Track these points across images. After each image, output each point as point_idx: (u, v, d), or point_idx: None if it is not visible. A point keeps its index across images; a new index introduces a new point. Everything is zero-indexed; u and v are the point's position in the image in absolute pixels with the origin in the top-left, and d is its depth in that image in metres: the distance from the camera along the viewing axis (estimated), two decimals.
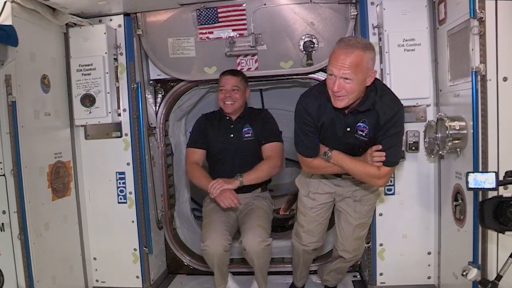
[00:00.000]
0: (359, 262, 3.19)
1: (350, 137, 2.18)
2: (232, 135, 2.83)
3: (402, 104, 2.15)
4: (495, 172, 1.79)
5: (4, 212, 2.37)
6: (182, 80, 3.23)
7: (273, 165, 2.73)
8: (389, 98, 2.13)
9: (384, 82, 2.57)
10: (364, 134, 2.16)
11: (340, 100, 2.03)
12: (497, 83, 2.04)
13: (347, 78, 1.95)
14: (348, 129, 2.17)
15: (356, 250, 2.60)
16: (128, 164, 2.96)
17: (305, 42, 2.91)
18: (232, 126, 2.85)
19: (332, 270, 2.84)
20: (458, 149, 2.29)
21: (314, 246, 2.64)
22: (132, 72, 2.96)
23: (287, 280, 3.11)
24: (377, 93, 2.10)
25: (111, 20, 2.91)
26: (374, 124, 2.12)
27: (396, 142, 2.14)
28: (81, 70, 2.82)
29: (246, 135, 2.82)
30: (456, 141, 2.26)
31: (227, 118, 2.86)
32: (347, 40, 2.00)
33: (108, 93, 2.84)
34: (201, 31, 2.99)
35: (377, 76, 2.53)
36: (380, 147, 2.13)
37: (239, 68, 3.02)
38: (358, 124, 2.15)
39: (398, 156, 2.20)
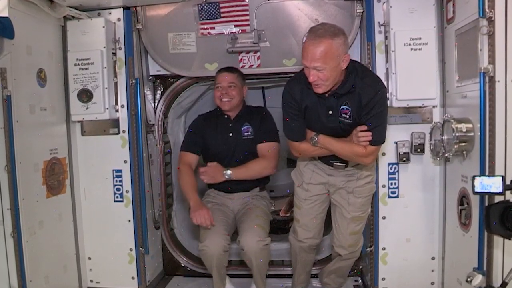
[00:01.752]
0: (361, 266, 3.15)
1: (334, 120, 2.23)
2: (231, 134, 2.78)
3: (383, 85, 2.21)
4: (502, 176, 1.77)
5: None
6: (182, 77, 3.18)
7: (265, 166, 2.70)
8: (370, 79, 2.18)
9: (389, 81, 2.56)
10: (347, 117, 2.20)
11: (318, 87, 2.11)
12: (506, 84, 2.00)
13: (319, 68, 2.01)
14: (330, 112, 2.22)
15: (352, 246, 2.58)
16: (125, 161, 2.91)
17: None
18: (230, 125, 2.80)
19: (332, 272, 2.81)
20: (464, 152, 2.25)
21: (310, 243, 2.62)
22: (131, 68, 2.90)
23: (286, 283, 3.06)
24: (358, 75, 2.15)
25: (110, 13, 2.85)
26: (356, 106, 2.16)
27: (380, 122, 2.19)
28: (78, 64, 2.76)
29: (246, 134, 2.77)
30: (463, 144, 2.22)
31: (226, 116, 2.81)
32: (315, 30, 2.03)
33: (106, 88, 2.79)
34: (202, 26, 2.93)
35: (382, 75, 2.54)
36: (365, 127, 2.17)
37: (240, 65, 2.97)
38: (342, 107, 2.20)
39: (383, 135, 2.24)
